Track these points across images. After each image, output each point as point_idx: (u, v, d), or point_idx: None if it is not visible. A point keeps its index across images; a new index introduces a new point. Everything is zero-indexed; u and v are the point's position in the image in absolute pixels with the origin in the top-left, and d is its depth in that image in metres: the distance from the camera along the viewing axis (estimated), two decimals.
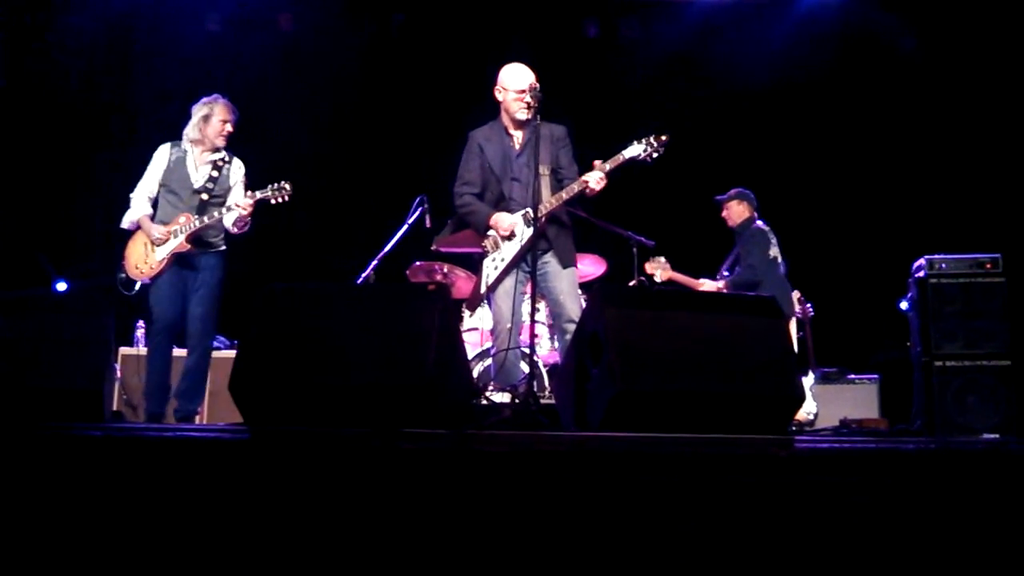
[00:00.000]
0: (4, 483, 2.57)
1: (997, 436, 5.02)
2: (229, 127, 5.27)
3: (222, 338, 6.60)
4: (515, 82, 4.80)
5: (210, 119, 5.24)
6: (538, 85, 4.63)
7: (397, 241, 6.25)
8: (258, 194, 5.13)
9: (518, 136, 4.91)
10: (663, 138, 4.70)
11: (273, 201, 5.14)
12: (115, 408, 5.76)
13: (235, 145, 5.37)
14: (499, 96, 4.89)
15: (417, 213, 6.23)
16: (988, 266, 5.30)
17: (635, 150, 4.71)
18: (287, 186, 5.13)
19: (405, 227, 6.22)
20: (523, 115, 4.79)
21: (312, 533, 2.49)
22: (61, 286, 7.15)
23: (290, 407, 3.32)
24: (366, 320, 3.44)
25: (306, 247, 7.77)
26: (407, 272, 6.66)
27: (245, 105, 5.45)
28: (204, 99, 5.29)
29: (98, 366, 3.68)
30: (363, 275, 6.24)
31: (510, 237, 4.76)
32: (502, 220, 4.76)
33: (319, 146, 7.85)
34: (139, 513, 2.53)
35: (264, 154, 5.05)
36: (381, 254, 6.24)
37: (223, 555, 2.50)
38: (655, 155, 4.71)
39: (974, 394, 5.17)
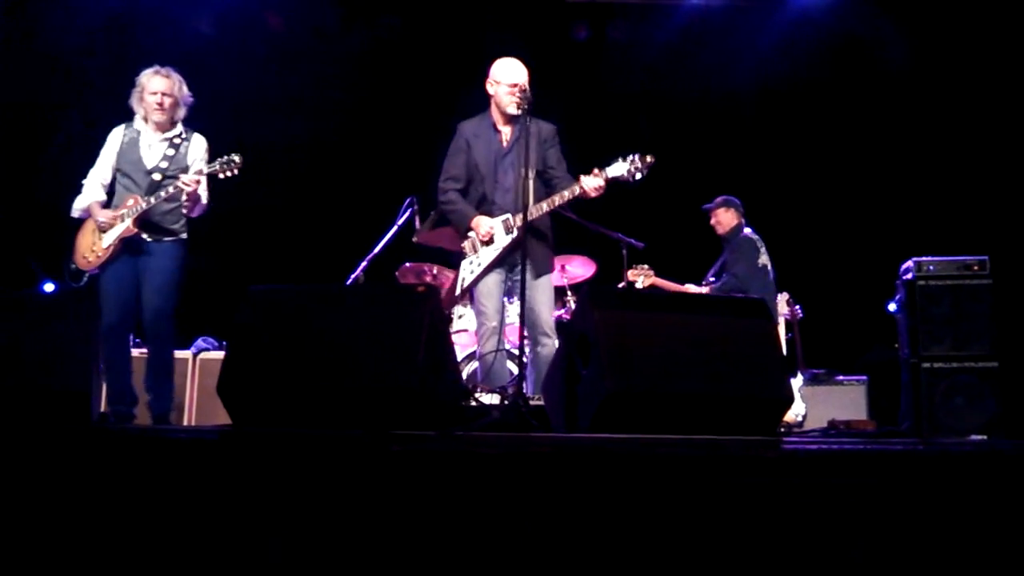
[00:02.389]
0: None
1: (984, 437, 5.03)
2: (159, 98, 4.83)
3: (211, 339, 6.57)
4: (507, 75, 4.76)
5: (143, 94, 4.87)
6: (528, 87, 4.62)
7: (387, 242, 6.25)
8: (205, 168, 4.76)
9: (506, 132, 4.87)
10: (648, 159, 4.62)
11: (222, 176, 4.75)
12: (102, 410, 5.71)
13: (224, 139, 5.06)
14: (490, 89, 4.86)
15: (407, 215, 6.23)
16: (975, 268, 5.31)
17: (619, 169, 4.64)
18: (236, 158, 4.74)
19: (395, 228, 6.22)
20: (514, 109, 4.75)
21: (301, 535, 2.49)
22: (49, 287, 7.11)
23: (279, 409, 3.31)
24: (355, 321, 3.43)
25: (296, 248, 7.75)
26: (396, 273, 6.66)
27: (235, 106, 5.36)
28: (141, 73, 4.92)
29: (85, 367, 3.66)
30: (352, 276, 6.23)
31: (488, 242, 4.75)
32: (482, 224, 4.75)
33: (309, 147, 7.83)
34: (125, 514, 2.52)
35: (253, 154, 4.94)
36: (370, 255, 6.24)
37: (213, 557, 2.49)
38: (638, 176, 4.64)
39: (961, 395, 5.18)
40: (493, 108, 4.88)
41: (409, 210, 6.23)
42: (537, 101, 4.53)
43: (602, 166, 4.66)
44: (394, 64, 8.08)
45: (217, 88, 5.03)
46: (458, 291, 4.86)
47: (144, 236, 4.79)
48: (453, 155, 4.90)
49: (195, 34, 7.72)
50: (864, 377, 7.12)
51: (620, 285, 6.54)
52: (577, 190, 4.61)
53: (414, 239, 6.11)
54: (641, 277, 6.64)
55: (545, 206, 4.66)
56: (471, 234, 4.80)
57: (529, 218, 4.55)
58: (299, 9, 7.93)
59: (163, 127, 4.92)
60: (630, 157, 4.63)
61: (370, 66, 8.09)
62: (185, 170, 4.87)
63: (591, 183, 4.59)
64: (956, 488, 2.59)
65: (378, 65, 8.10)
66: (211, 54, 7.55)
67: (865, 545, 2.52)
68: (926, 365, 5.24)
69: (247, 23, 7.90)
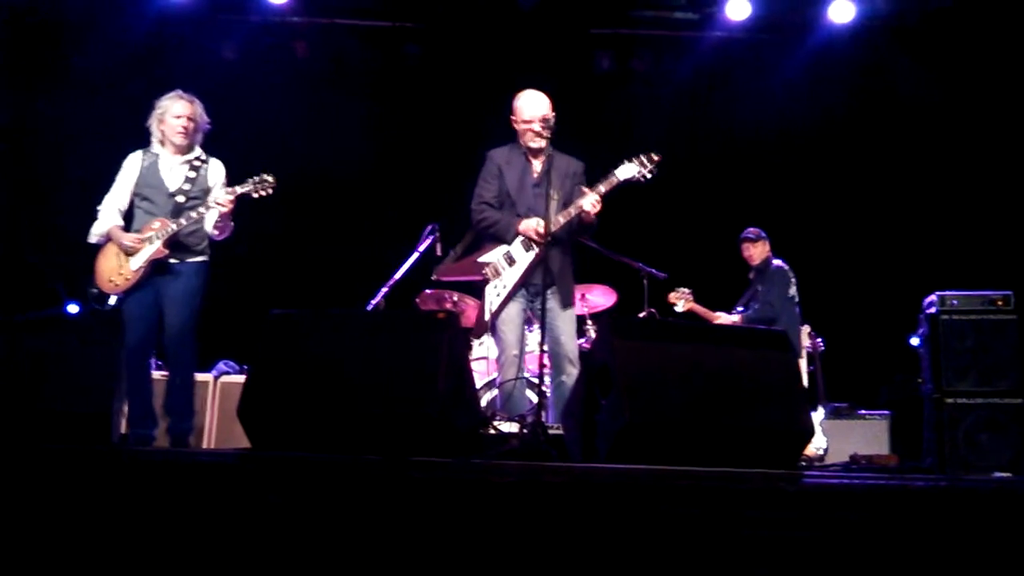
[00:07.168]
0: (11, 503, 2.57)
1: (1008, 474, 4.97)
2: (184, 122, 4.89)
3: (231, 363, 6.60)
4: (525, 112, 4.80)
5: (165, 117, 4.91)
6: (552, 116, 4.64)
7: (408, 269, 6.27)
8: (239, 189, 4.75)
9: (536, 164, 4.90)
10: (655, 157, 4.66)
11: (255, 195, 4.76)
12: (123, 431, 5.75)
13: (246, 165, 5.05)
14: (515, 125, 4.91)
15: (428, 241, 6.24)
16: (1000, 303, 5.27)
17: (628, 170, 4.68)
18: (269, 178, 4.76)
19: (416, 255, 6.24)
20: (535, 144, 4.80)
21: (320, 561, 2.48)
22: (72, 308, 7.17)
23: (299, 434, 3.32)
24: (376, 348, 3.44)
25: (317, 274, 7.79)
26: (417, 300, 6.67)
27: (258, 131, 5.38)
28: (162, 97, 4.96)
29: (106, 389, 3.69)
30: (373, 302, 6.25)
31: (528, 248, 4.74)
32: (530, 223, 4.74)
33: (330, 173, 7.88)
34: (144, 537, 2.53)
35: (276, 181, 4.96)
36: (391, 281, 6.25)
37: None
38: (648, 175, 4.68)
39: (985, 431, 5.12)
40: (520, 140, 4.92)
41: (431, 237, 6.24)
42: (560, 131, 4.55)
43: (607, 172, 4.67)
44: (416, 91, 8.14)
45: (240, 114, 5.05)
46: (487, 315, 4.85)
47: (171, 258, 4.81)
48: (486, 181, 4.92)
49: (219, 61, 7.81)
50: (887, 412, 7.06)
51: (641, 315, 6.52)
52: (572, 212, 4.63)
53: (434, 276, 6.12)
54: (682, 301, 6.66)
55: (562, 218, 4.66)
56: (491, 260, 4.81)
57: (553, 228, 4.53)
58: (322, 37, 8.01)
59: (182, 150, 4.94)
60: (636, 158, 4.66)
61: (392, 93, 8.15)
62: (207, 191, 4.91)
63: (586, 201, 4.62)
64: (979, 526, 2.55)
65: (400, 92, 8.16)
66: (235, 81, 7.64)
67: None
68: (950, 401, 5.19)
69: (271, 51, 7.99)
